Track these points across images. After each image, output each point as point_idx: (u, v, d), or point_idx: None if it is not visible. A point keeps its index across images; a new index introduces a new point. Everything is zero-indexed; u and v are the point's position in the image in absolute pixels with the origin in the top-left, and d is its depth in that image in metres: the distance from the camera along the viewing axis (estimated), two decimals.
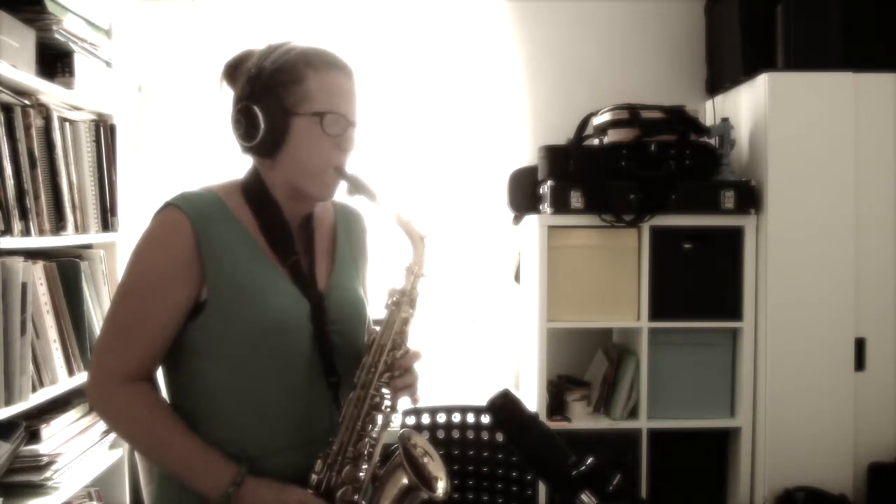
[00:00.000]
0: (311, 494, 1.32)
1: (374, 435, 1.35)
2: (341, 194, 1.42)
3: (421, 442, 1.40)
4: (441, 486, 1.36)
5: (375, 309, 1.47)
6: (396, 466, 1.34)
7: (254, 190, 1.39)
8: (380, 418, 1.36)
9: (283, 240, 1.38)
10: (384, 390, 1.36)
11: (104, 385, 1.33)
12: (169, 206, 1.33)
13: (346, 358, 1.40)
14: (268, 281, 1.34)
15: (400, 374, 1.37)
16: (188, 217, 1.31)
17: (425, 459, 1.38)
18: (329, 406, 1.39)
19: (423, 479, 1.35)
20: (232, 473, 1.30)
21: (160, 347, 1.33)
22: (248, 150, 1.37)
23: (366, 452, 1.34)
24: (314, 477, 1.33)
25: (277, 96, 1.32)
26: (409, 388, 1.39)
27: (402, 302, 1.38)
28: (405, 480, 1.33)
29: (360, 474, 1.34)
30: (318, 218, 1.48)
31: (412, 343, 1.40)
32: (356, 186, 1.37)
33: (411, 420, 2.74)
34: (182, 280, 1.30)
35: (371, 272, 1.58)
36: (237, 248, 1.34)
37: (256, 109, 1.32)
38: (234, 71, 1.40)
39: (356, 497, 1.33)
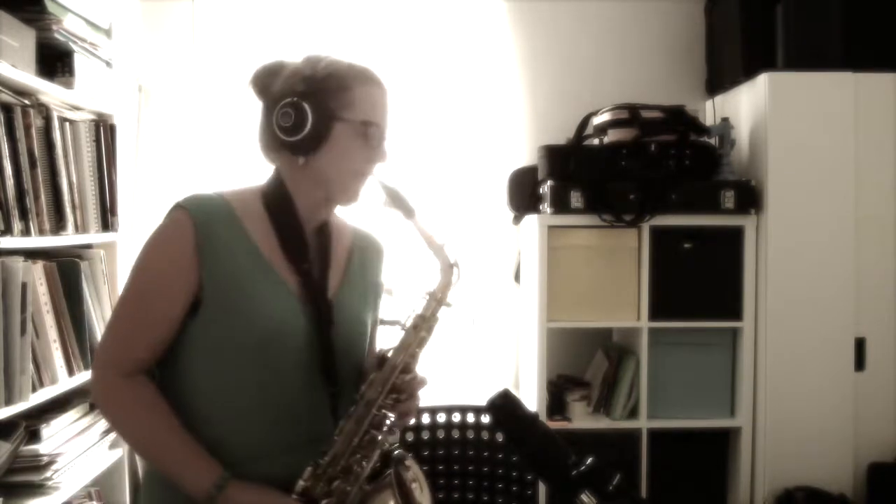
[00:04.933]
0: (295, 500, 1.31)
1: (368, 453, 1.35)
2: (372, 214, 1.42)
3: (414, 467, 1.39)
4: None
5: (386, 332, 1.46)
6: (385, 486, 1.33)
7: (275, 194, 1.41)
8: (378, 437, 1.35)
9: (297, 247, 1.40)
10: (385, 410, 1.36)
11: (108, 377, 1.35)
12: (176, 206, 1.37)
13: (345, 370, 1.41)
14: (267, 289, 1.36)
15: (406, 397, 1.38)
16: (192, 217, 1.34)
17: (414, 485, 1.36)
18: (326, 415, 1.39)
19: None
20: (215, 475, 1.30)
21: (161, 341, 1.35)
22: (287, 145, 1.38)
23: (356, 468, 1.34)
24: (301, 484, 1.32)
25: (326, 99, 1.36)
26: (407, 415, 1.42)
27: (421, 327, 1.38)
28: (391, 503, 1.32)
29: (348, 488, 1.33)
30: (335, 234, 1.49)
31: (420, 367, 1.41)
32: (395, 200, 1.37)
33: (411, 420, 2.73)
34: (182, 276, 1.33)
35: (384, 302, 1.58)
36: (239, 253, 1.35)
37: (306, 106, 1.35)
38: (267, 78, 1.41)
39: None
